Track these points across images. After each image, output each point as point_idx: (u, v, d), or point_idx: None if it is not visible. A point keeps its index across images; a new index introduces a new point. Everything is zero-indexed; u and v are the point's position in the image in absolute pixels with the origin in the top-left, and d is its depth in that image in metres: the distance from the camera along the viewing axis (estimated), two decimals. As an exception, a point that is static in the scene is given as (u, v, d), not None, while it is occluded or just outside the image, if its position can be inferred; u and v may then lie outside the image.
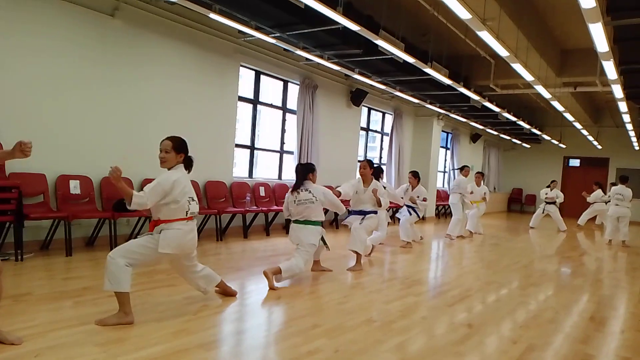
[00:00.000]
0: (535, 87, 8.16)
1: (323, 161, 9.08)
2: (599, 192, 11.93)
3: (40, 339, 2.70)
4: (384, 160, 11.87)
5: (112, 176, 3.04)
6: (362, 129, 11.01)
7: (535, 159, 18.47)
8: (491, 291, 4.84)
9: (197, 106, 6.88)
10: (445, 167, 15.12)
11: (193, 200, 3.37)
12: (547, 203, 11.99)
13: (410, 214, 7.48)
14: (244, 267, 5.11)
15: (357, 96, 10.11)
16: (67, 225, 5.02)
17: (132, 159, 6.03)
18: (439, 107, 11.58)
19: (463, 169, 9.36)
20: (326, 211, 4.98)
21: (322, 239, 4.78)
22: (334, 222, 9.35)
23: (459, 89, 8.57)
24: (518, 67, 6.88)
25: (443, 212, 13.93)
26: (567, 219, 12.28)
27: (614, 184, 10.56)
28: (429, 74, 7.71)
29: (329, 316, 3.57)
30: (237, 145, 7.73)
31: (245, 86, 7.85)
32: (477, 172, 10.21)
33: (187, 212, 3.29)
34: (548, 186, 12.22)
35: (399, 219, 7.67)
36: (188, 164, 3.48)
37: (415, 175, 7.73)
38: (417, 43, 7.84)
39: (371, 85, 9.56)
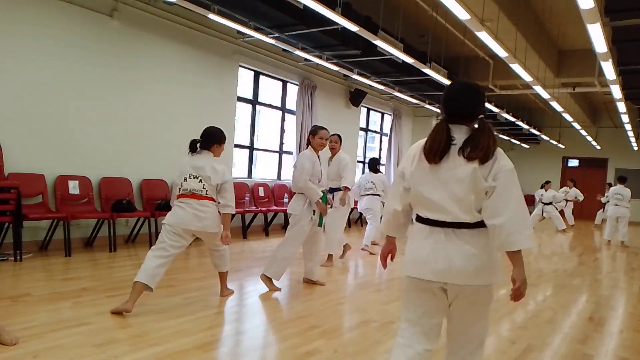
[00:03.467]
0: (534, 87, 8.17)
1: (322, 161, 9.06)
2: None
3: (38, 339, 2.70)
4: (383, 160, 11.88)
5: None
6: (361, 129, 11.01)
7: (534, 159, 18.48)
8: (490, 291, 4.84)
9: (196, 106, 6.88)
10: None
11: (193, 177, 3.55)
12: (544, 204, 11.98)
13: None
14: (243, 268, 5.11)
15: (356, 96, 10.12)
16: (66, 225, 5.01)
17: (131, 159, 6.03)
18: (438, 108, 11.58)
19: None
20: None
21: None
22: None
23: (457, 89, 8.57)
24: (517, 68, 6.89)
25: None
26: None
27: (610, 185, 10.63)
28: (427, 75, 7.72)
29: (327, 317, 3.57)
30: (236, 146, 7.73)
31: (244, 87, 7.85)
32: None
33: (179, 189, 3.57)
34: (542, 187, 12.23)
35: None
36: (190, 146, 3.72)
37: None
38: (415, 44, 7.85)
39: (370, 85, 9.57)
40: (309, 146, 4.49)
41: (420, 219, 1.88)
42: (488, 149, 1.73)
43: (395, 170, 8.30)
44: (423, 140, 1.87)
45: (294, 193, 4.44)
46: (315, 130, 4.48)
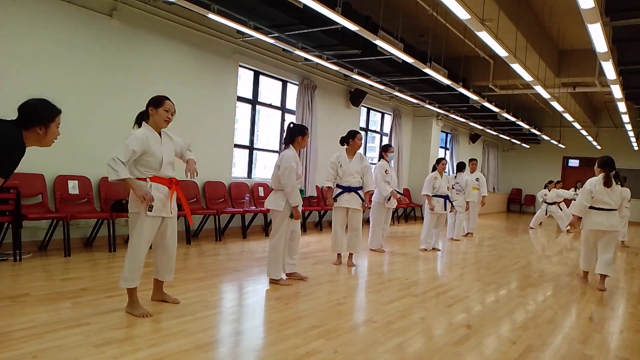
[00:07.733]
0: (534, 87, 8.16)
1: (322, 161, 9.07)
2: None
3: (38, 340, 2.70)
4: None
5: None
6: (362, 129, 11.00)
7: (535, 159, 18.47)
8: (490, 292, 4.84)
9: (196, 106, 6.88)
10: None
11: None
12: (548, 204, 11.93)
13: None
14: (243, 268, 5.10)
15: (356, 96, 10.11)
16: (66, 225, 5.01)
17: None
18: (438, 108, 11.59)
19: (439, 163, 7.90)
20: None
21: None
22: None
23: (458, 89, 8.57)
24: (517, 67, 6.88)
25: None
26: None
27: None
28: (428, 74, 7.71)
29: (327, 317, 3.57)
30: (236, 146, 7.73)
31: (244, 86, 7.84)
32: (472, 159, 9.91)
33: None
34: (545, 187, 12.17)
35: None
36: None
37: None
38: (415, 43, 7.85)
39: (370, 85, 9.56)
40: (290, 145, 4.50)
41: (594, 208, 5.19)
42: (623, 183, 5.26)
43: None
44: (596, 178, 5.23)
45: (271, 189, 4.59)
46: (304, 131, 4.53)
